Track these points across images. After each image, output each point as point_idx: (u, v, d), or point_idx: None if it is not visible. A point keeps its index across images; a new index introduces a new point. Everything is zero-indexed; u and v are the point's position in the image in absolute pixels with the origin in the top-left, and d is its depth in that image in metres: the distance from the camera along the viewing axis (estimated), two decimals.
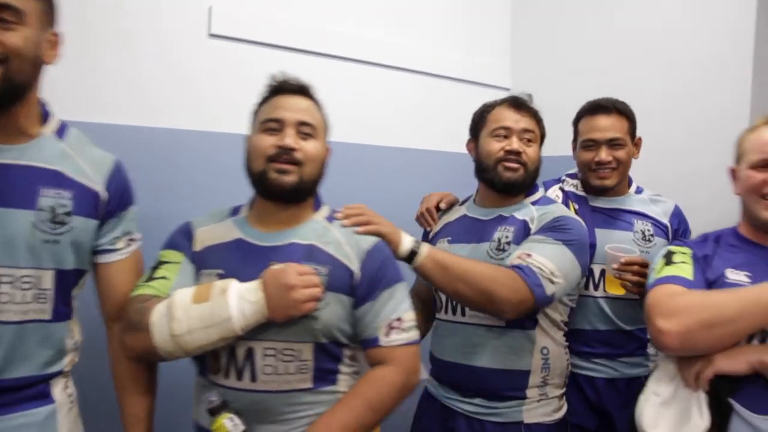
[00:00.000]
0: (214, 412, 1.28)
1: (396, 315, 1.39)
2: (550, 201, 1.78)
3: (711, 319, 1.25)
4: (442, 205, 1.94)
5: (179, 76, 2.06)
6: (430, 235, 1.90)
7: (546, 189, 2.04)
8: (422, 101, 2.71)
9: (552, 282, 1.54)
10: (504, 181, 1.72)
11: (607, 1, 2.74)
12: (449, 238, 1.81)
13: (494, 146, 1.73)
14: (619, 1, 2.69)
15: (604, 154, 1.93)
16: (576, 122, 2.04)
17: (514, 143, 1.70)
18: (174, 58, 2.05)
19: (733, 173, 1.52)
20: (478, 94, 2.78)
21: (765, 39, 2.32)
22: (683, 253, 1.47)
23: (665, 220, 1.98)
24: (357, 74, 2.50)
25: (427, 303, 1.90)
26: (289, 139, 1.37)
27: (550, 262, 1.55)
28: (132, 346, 1.33)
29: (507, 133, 1.73)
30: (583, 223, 1.69)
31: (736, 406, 1.28)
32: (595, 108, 1.98)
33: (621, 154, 1.94)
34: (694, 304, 1.28)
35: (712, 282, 1.39)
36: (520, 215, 1.71)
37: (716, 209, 2.03)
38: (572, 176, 2.10)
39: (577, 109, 2.06)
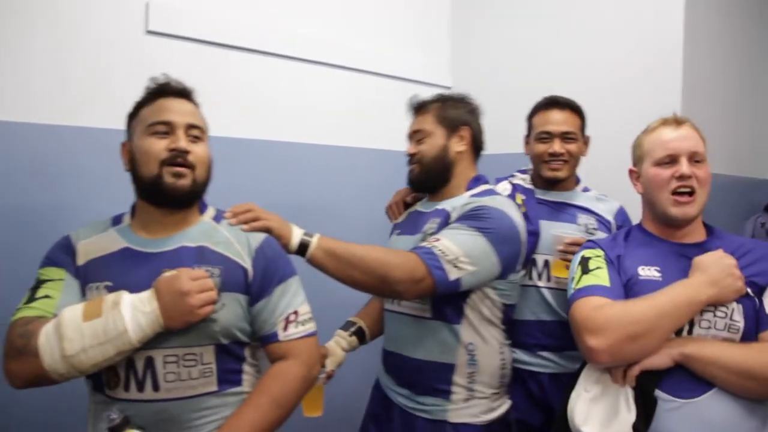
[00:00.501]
0: (115, 430, 1.21)
1: (292, 309, 1.40)
2: (492, 193, 1.76)
3: (634, 332, 1.32)
4: (408, 199, 1.99)
5: (114, 74, 1.99)
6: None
7: (497, 183, 2.10)
8: (362, 99, 2.66)
9: (457, 267, 1.53)
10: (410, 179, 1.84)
11: (545, 1, 2.78)
12: (398, 231, 1.87)
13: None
14: (556, 1, 2.72)
15: (557, 146, 2.01)
16: (530, 117, 2.12)
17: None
18: (109, 56, 1.99)
19: (634, 174, 1.58)
20: (419, 92, 2.88)
21: (693, 39, 2.43)
22: (597, 257, 1.51)
23: (609, 217, 2.04)
24: (297, 72, 2.45)
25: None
26: (182, 141, 1.34)
27: (458, 247, 1.54)
28: (17, 373, 1.24)
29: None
30: (513, 216, 1.67)
31: (661, 394, 1.34)
32: (551, 103, 2.07)
33: (573, 147, 2.03)
34: (617, 319, 1.33)
35: (627, 281, 1.45)
36: (449, 206, 1.73)
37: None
38: (523, 172, 2.17)
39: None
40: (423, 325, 1.70)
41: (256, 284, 1.38)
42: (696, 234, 1.51)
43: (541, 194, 2.07)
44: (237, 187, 1.97)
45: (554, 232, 1.96)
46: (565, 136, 2.02)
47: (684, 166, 1.44)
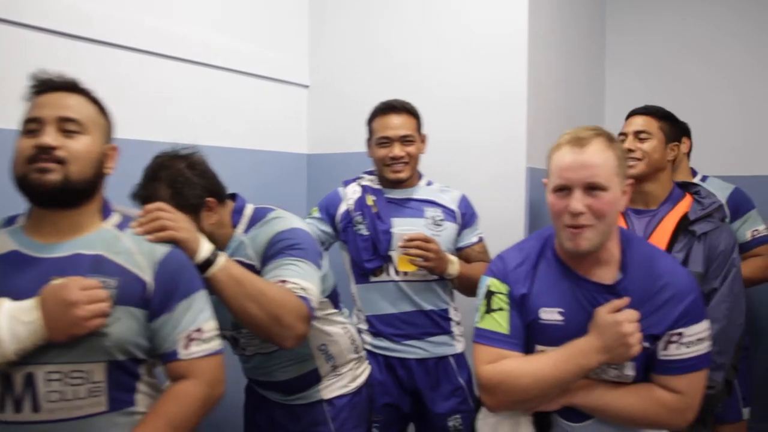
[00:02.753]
0: None
1: (195, 326, 1.34)
2: (258, 217, 1.75)
3: (521, 398, 1.41)
4: None
5: None
6: None
7: (346, 186, 2.27)
8: (219, 97, 2.59)
9: (312, 300, 1.58)
10: None
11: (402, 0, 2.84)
12: None
13: None
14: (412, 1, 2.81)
15: (397, 150, 2.13)
16: (370, 122, 2.22)
17: None
18: None
19: (546, 186, 1.48)
20: (278, 91, 2.86)
21: (536, 41, 2.59)
22: (501, 295, 1.49)
23: (453, 207, 2.21)
24: (151, 68, 2.30)
25: None
26: (48, 137, 1.26)
27: (302, 280, 1.57)
28: None
29: None
30: (298, 225, 1.72)
31: (557, 418, 1.46)
32: (387, 108, 2.18)
33: (412, 149, 2.16)
34: (506, 385, 1.41)
35: (529, 323, 1.47)
36: (236, 256, 1.67)
37: (496, 195, 2.28)
38: (369, 173, 2.29)
39: (374, 106, 2.23)
40: (275, 356, 1.81)
41: (156, 299, 1.31)
42: (608, 268, 1.45)
43: (388, 193, 2.21)
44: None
45: (399, 228, 2.12)
46: (404, 140, 2.14)
47: (575, 201, 1.36)
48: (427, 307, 2.15)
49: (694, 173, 2.68)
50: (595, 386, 1.42)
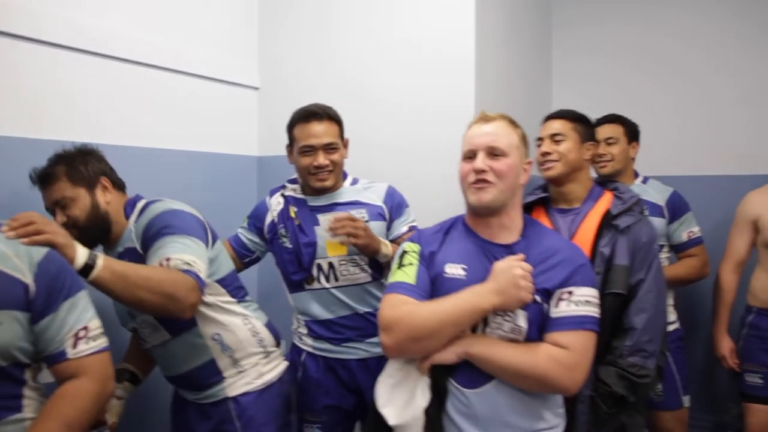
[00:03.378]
0: None
1: (81, 324, 1.37)
2: (145, 208, 1.83)
3: (417, 334, 1.48)
4: None
5: None
6: None
7: (271, 196, 2.28)
8: (166, 99, 2.56)
9: (200, 271, 1.65)
10: None
11: (353, 3, 2.88)
12: None
13: None
14: (362, 3, 2.85)
15: (321, 159, 2.12)
16: (290, 128, 2.18)
17: None
18: None
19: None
20: (227, 93, 2.86)
21: (484, 43, 2.68)
22: (413, 252, 1.64)
23: (379, 202, 2.23)
24: (93, 68, 2.25)
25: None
26: None
27: (186, 254, 1.64)
28: None
29: None
30: (171, 206, 1.80)
31: (452, 383, 1.53)
32: (309, 115, 2.14)
33: (336, 156, 2.15)
34: (405, 320, 1.49)
35: (434, 278, 1.60)
36: (129, 243, 1.79)
37: (445, 195, 2.32)
38: (292, 181, 2.28)
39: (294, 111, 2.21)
40: (170, 346, 1.85)
41: (39, 300, 1.31)
42: (509, 233, 1.63)
43: (312, 201, 2.20)
44: (23, 190, 1.83)
45: (324, 217, 2.13)
46: (327, 147, 2.12)
47: (479, 161, 1.58)
48: (363, 309, 2.18)
49: (636, 175, 2.79)
50: (493, 340, 1.52)
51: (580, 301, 1.53)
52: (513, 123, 1.66)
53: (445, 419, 1.53)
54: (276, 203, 2.23)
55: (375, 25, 2.79)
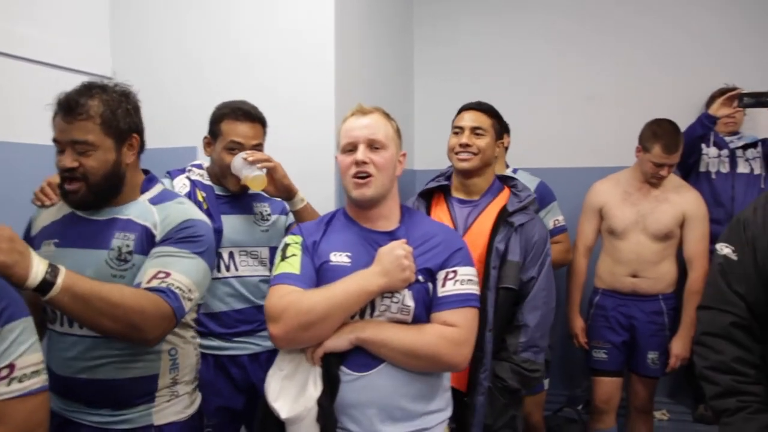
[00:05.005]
0: None
1: (5, 362, 1.15)
2: (170, 196, 1.74)
3: (307, 321, 1.50)
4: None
5: None
6: (32, 232, 1.73)
7: (173, 178, 2.18)
8: (4, 89, 2.35)
9: (190, 300, 1.55)
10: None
11: None
12: (56, 241, 1.65)
13: None
14: None
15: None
16: (217, 121, 2.15)
17: None
18: None
19: (337, 160, 1.73)
20: (75, 82, 2.70)
21: (344, 37, 2.73)
22: (295, 244, 1.65)
23: (278, 200, 2.24)
24: None
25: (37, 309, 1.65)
26: None
27: (188, 278, 1.55)
28: None
29: None
30: (207, 220, 1.73)
31: (344, 370, 1.55)
32: (241, 114, 2.13)
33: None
34: (292, 308, 1.50)
35: (319, 267, 1.62)
36: (139, 219, 1.64)
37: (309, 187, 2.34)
38: (197, 166, 2.24)
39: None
40: (121, 345, 1.60)
41: None
42: (389, 221, 1.70)
43: (219, 190, 2.19)
44: None
45: (237, 220, 2.13)
46: (255, 148, 2.13)
47: (360, 153, 1.62)
48: (259, 301, 2.15)
49: (506, 166, 2.96)
50: (383, 324, 1.57)
51: (464, 279, 1.61)
52: (388, 116, 1.72)
53: (337, 408, 1.53)
54: (181, 185, 2.14)
55: (235, 16, 2.77)
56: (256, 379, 2.14)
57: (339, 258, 1.62)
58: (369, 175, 1.62)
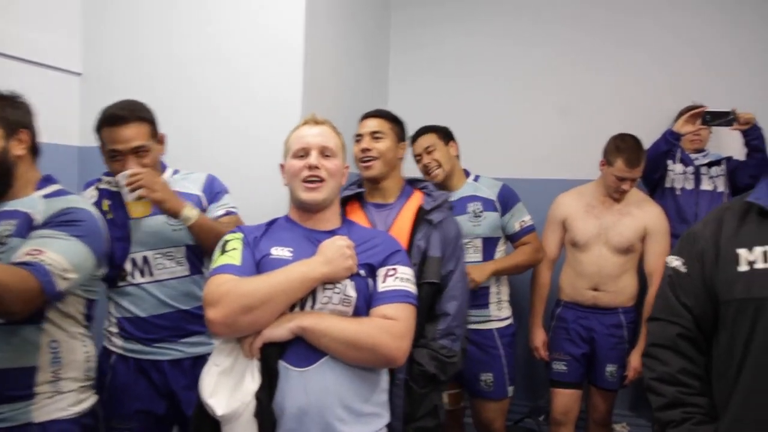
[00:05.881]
0: None
1: None
2: (64, 194, 1.77)
3: (248, 304, 1.49)
4: None
5: None
6: None
7: (85, 189, 2.19)
8: None
9: (64, 278, 1.54)
10: None
11: None
12: None
13: None
14: None
15: (131, 164, 2.01)
16: (98, 129, 2.07)
17: None
18: None
19: (282, 168, 1.80)
20: (43, 78, 2.70)
21: (315, 39, 2.75)
22: (236, 239, 1.67)
23: (197, 191, 2.21)
24: None
25: None
26: None
27: (64, 258, 1.55)
28: None
29: None
30: (96, 213, 1.75)
31: (283, 364, 1.54)
32: (114, 118, 2.02)
33: (147, 161, 2.05)
34: (233, 292, 1.50)
35: (260, 260, 1.63)
36: (23, 207, 1.69)
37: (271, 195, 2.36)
38: (109, 174, 2.16)
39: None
40: None
41: None
42: (330, 223, 1.77)
43: (128, 196, 2.05)
44: None
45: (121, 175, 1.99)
46: (136, 151, 2.02)
47: (313, 158, 1.70)
48: (181, 306, 2.15)
49: (467, 174, 2.99)
50: (324, 314, 1.58)
51: (404, 278, 1.68)
52: (336, 129, 1.82)
53: (276, 402, 1.52)
54: (89, 196, 2.14)
55: (207, 16, 2.78)
56: (177, 386, 2.13)
57: (281, 252, 1.65)
58: (321, 180, 1.70)
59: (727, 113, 2.90)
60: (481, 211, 2.84)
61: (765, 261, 1.44)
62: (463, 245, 2.22)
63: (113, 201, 2.10)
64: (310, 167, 1.70)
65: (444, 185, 2.86)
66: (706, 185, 3.30)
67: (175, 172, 2.25)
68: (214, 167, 2.40)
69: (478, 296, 2.82)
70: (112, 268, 2.05)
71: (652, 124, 3.39)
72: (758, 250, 1.45)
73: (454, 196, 2.85)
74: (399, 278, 1.67)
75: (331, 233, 1.71)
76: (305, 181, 1.70)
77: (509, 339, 2.92)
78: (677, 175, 3.33)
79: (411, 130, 2.96)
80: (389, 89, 4.03)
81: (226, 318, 1.49)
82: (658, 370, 1.57)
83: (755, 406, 1.41)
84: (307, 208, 1.73)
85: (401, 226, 2.14)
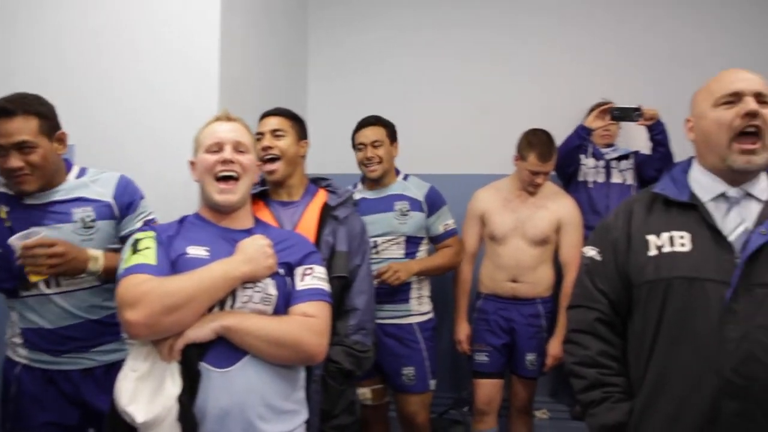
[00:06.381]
0: None
1: None
2: None
3: (171, 303, 1.46)
4: None
5: None
6: None
7: None
8: None
9: None
10: None
11: None
12: None
13: None
14: None
15: (13, 161, 1.90)
16: None
17: None
18: None
19: (193, 165, 1.78)
20: None
21: (230, 41, 2.72)
22: (149, 238, 1.62)
23: (108, 198, 2.06)
24: None
25: None
26: None
27: None
28: None
29: None
30: None
31: (205, 366, 1.51)
32: (6, 112, 1.89)
33: (34, 157, 1.92)
34: (154, 292, 1.47)
35: (175, 260, 1.60)
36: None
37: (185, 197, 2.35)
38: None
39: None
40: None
41: None
42: (244, 221, 1.76)
43: (28, 198, 1.98)
44: None
45: (15, 238, 1.85)
46: (21, 147, 1.90)
47: (227, 153, 1.70)
48: (90, 317, 2.03)
49: (397, 172, 3.02)
50: (246, 313, 1.58)
51: (320, 277, 1.71)
52: (248, 128, 1.82)
53: (197, 405, 1.49)
54: None
55: (116, 14, 2.69)
56: (89, 395, 2.03)
57: (197, 251, 1.62)
58: (236, 177, 1.70)
59: (633, 109, 3.06)
60: (407, 210, 2.89)
61: (671, 245, 1.56)
62: (368, 240, 2.27)
63: (13, 207, 1.97)
64: (225, 162, 1.69)
65: (375, 181, 2.91)
66: (616, 178, 3.47)
67: (83, 171, 2.10)
68: (128, 169, 2.32)
69: (400, 291, 2.88)
70: (11, 279, 1.94)
71: (566, 120, 3.53)
72: (665, 236, 1.58)
73: (383, 193, 2.92)
74: (316, 277, 1.70)
75: (248, 232, 1.71)
76: (219, 179, 1.69)
77: (430, 333, 2.98)
78: (589, 169, 3.48)
79: (332, 128, 2.99)
80: (308, 89, 4.03)
81: (148, 319, 1.45)
82: (579, 354, 1.66)
83: (668, 380, 1.52)
84: (222, 210, 1.72)
85: (308, 223, 2.16)
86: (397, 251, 2.88)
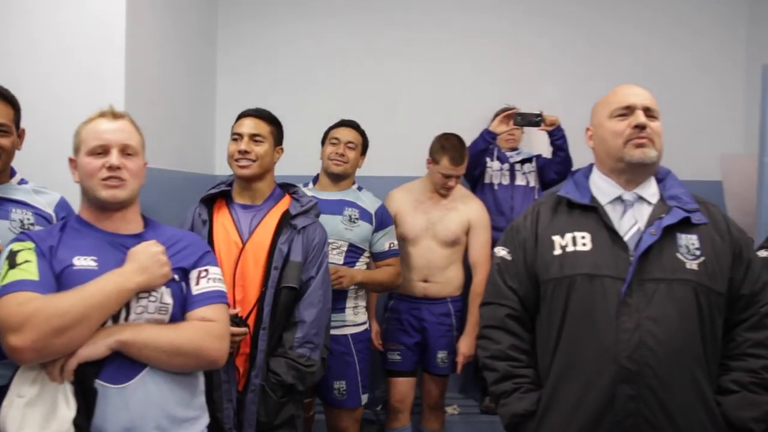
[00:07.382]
0: None
1: None
2: None
3: (61, 324, 1.38)
4: None
5: None
6: None
7: None
8: None
9: None
10: None
11: None
12: None
13: None
14: None
15: None
16: None
17: None
18: None
19: (73, 163, 1.66)
20: None
21: (135, 43, 2.69)
22: (28, 250, 1.51)
23: (50, 210, 2.02)
24: None
25: None
26: None
27: None
28: None
29: None
30: None
31: (100, 383, 1.46)
32: None
33: (5, 141, 1.90)
34: (42, 313, 1.38)
35: (60, 272, 1.51)
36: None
37: None
38: None
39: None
40: None
41: None
42: (133, 225, 1.67)
43: None
44: None
45: None
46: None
47: (114, 158, 1.58)
48: None
49: (353, 182, 3.03)
50: (142, 325, 1.53)
51: (216, 278, 1.67)
52: (136, 125, 1.69)
53: (94, 425, 1.43)
54: None
55: (21, 6, 2.62)
56: None
57: (84, 262, 1.53)
58: (122, 180, 1.59)
59: (535, 115, 3.25)
60: (356, 218, 2.84)
61: (574, 245, 1.71)
62: (327, 253, 2.24)
63: None
64: (111, 167, 1.57)
65: (332, 180, 2.90)
66: (520, 181, 3.67)
67: (24, 180, 2.04)
68: (34, 169, 2.26)
69: (336, 300, 2.73)
70: None
71: (471, 124, 3.68)
72: (569, 236, 1.73)
73: (335, 196, 2.87)
74: (212, 279, 1.67)
75: (138, 237, 1.64)
76: (104, 180, 1.57)
77: (364, 345, 2.93)
78: (495, 171, 3.66)
79: None
80: (217, 85, 4.02)
81: (36, 343, 1.36)
82: (491, 349, 1.78)
83: (572, 369, 1.66)
84: (107, 207, 1.61)
85: (265, 229, 2.15)
86: (337, 257, 2.82)
